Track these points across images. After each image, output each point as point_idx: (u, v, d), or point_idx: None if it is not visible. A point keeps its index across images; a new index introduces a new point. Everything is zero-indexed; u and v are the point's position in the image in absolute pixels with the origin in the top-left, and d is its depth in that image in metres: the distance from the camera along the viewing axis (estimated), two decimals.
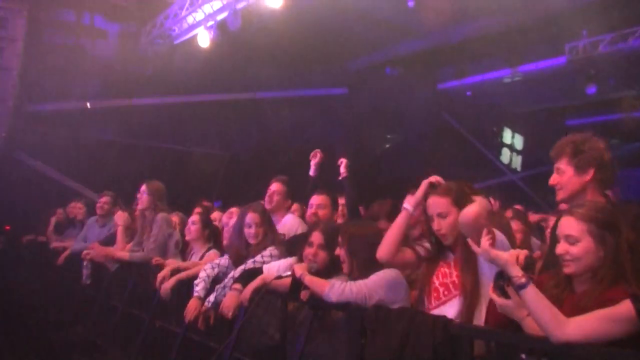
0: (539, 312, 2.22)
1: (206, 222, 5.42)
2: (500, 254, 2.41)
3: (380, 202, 4.27)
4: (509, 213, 5.29)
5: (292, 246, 4.28)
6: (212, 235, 5.44)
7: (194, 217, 5.39)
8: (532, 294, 2.24)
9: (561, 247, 2.43)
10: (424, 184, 3.26)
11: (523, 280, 2.28)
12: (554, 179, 3.00)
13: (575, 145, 2.93)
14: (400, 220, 3.27)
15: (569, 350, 2.17)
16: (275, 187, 5.14)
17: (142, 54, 11.63)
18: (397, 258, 3.27)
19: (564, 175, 2.95)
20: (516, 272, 2.33)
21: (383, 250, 3.26)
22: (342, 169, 5.08)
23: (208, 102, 12.71)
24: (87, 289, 6.42)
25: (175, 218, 6.10)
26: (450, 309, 3.01)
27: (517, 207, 7.06)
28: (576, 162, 2.91)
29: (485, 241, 2.51)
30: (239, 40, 10.34)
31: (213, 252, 5.19)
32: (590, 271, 2.37)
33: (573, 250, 2.39)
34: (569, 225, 2.43)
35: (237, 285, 3.93)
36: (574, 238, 2.40)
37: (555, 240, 2.56)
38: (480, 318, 2.87)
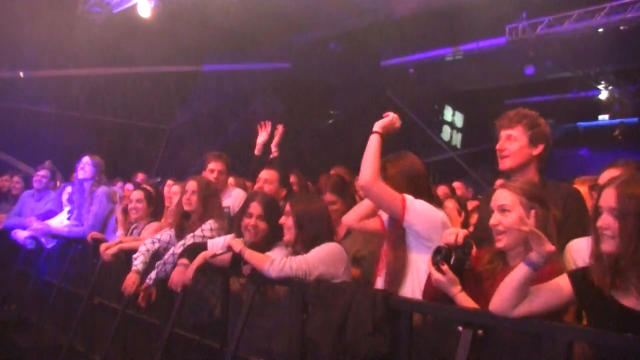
0: (512, 288, 2.23)
1: (150, 199, 5.31)
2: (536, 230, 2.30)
3: (326, 176, 4.28)
4: (445, 190, 5.40)
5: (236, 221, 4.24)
6: (155, 211, 5.38)
7: (139, 195, 5.23)
8: (526, 274, 2.21)
9: (494, 218, 2.53)
10: None
11: (541, 260, 2.20)
12: (502, 145, 3.01)
13: (532, 119, 3.01)
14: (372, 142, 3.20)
15: (503, 322, 2.26)
16: (215, 165, 5.05)
17: (79, 22, 11.20)
18: (362, 224, 3.31)
19: (516, 144, 2.98)
20: (540, 249, 2.22)
21: (350, 216, 3.34)
22: (274, 148, 5.15)
23: (149, 74, 12.39)
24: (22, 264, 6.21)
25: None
26: (379, 282, 3.09)
27: (456, 184, 7.23)
28: (531, 134, 2.97)
29: (531, 215, 2.43)
30: (181, 11, 10.11)
31: (153, 224, 5.12)
32: (521, 244, 2.47)
33: (505, 220, 2.48)
34: (503, 196, 2.53)
35: (184, 261, 3.87)
36: (506, 207, 2.50)
37: (483, 216, 2.64)
38: (405, 293, 2.94)
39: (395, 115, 3.23)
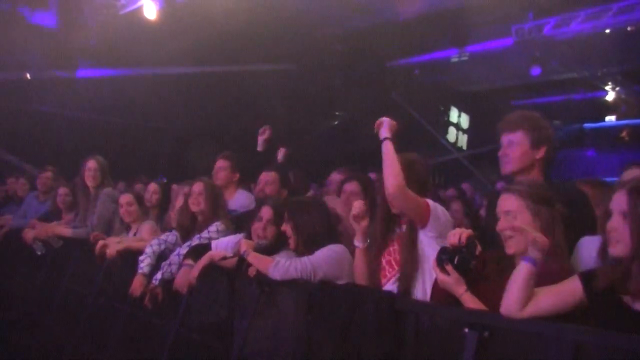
0: (517, 287, 2.22)
1: (141, 200, 5.37)
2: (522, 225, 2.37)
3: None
4: (452, 192, 5.38)
5: (242, 222, 4.25)
6: (147, 212, 5.42)
7: (128, 199, 5.26)
8: (528, 270, 2.21)
9: (501, 224, 2.51)
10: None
11: (537, 253, 2.21)
12: (504, 151, 2.98)
13: (534, 121, 2.96)
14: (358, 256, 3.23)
15: (508, 323, 2.24)
16: (219, 163, 5.10)
17: (85, 23, 11.22)
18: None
19: (518, 148, 2.94)
20: (530, 241, 2.25)
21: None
22: (280, 156, 5.17)
23: (154, 76, 12.40)
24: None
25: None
26: (392, 286, 3.06)
27: (464, 185, 7.22)
28: (533, 138, 2.93)
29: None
30: (186, 13, 10.12)
31: (147, 223, 5.14)
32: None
33: (512, 226, 2.47)
34: (508, 202, 2.52)
35: (189, 261, 3.90)
36: (513, 213, 2.48)
37: (490, 218, 2.63)
38: (417, 295, 2.93)
39: (387, 118, 3.18)
